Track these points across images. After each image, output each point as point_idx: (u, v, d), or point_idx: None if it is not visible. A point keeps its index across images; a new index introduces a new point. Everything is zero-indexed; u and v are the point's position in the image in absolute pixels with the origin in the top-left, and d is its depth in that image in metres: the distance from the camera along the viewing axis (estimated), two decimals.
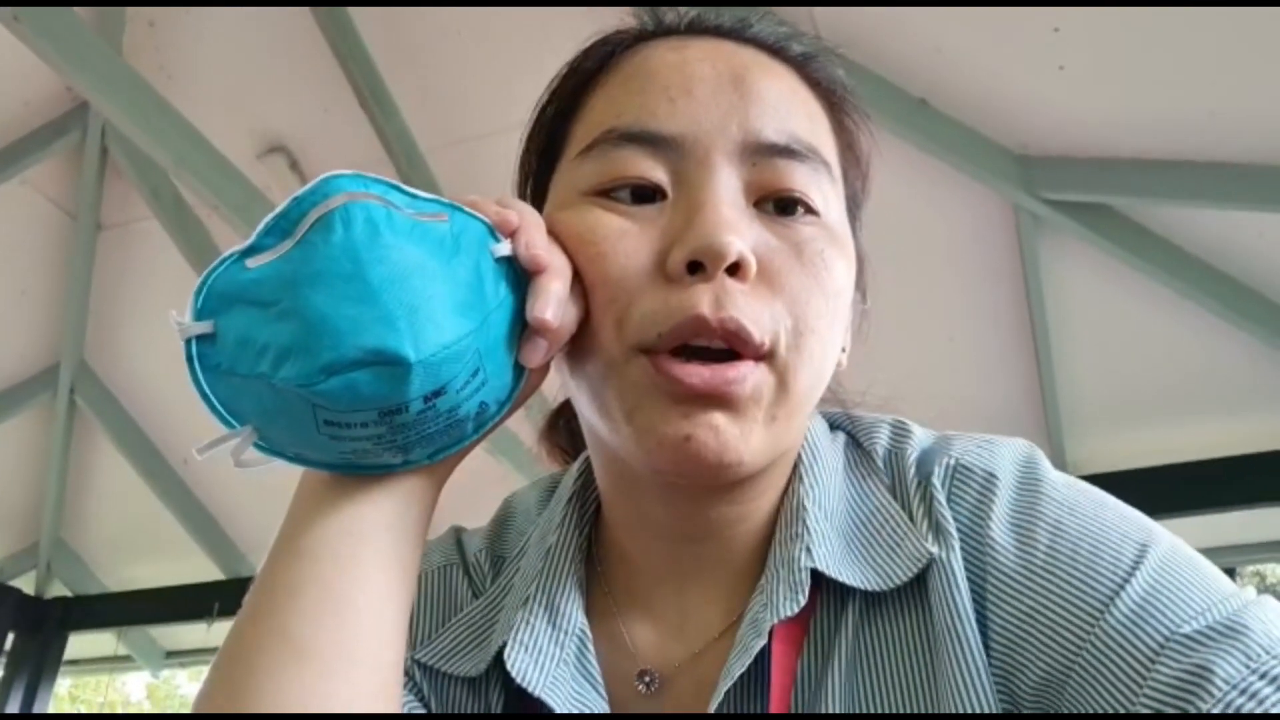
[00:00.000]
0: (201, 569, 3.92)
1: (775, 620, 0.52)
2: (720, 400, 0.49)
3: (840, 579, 0.53)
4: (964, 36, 2.22)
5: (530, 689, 0.54)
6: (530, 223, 0.51)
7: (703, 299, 0.49)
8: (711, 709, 0.52)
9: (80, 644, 4.55)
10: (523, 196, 0.63)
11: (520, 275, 0.50)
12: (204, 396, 0.46)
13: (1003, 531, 0.52)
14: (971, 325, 2.73)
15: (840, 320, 0.55)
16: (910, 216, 2.47)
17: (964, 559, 0.52)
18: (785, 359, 0.51)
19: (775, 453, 0.53)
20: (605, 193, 0.53)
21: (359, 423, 0.46)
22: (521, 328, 0.50)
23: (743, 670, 0.51)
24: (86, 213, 3.16)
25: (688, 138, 0.53)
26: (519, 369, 0.52)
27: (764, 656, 0.52)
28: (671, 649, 0.58)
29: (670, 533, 0.58)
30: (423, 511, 0.52)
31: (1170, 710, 0.43)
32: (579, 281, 0.52)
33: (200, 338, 0.45)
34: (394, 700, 0.48)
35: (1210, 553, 0.50)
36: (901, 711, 0.51)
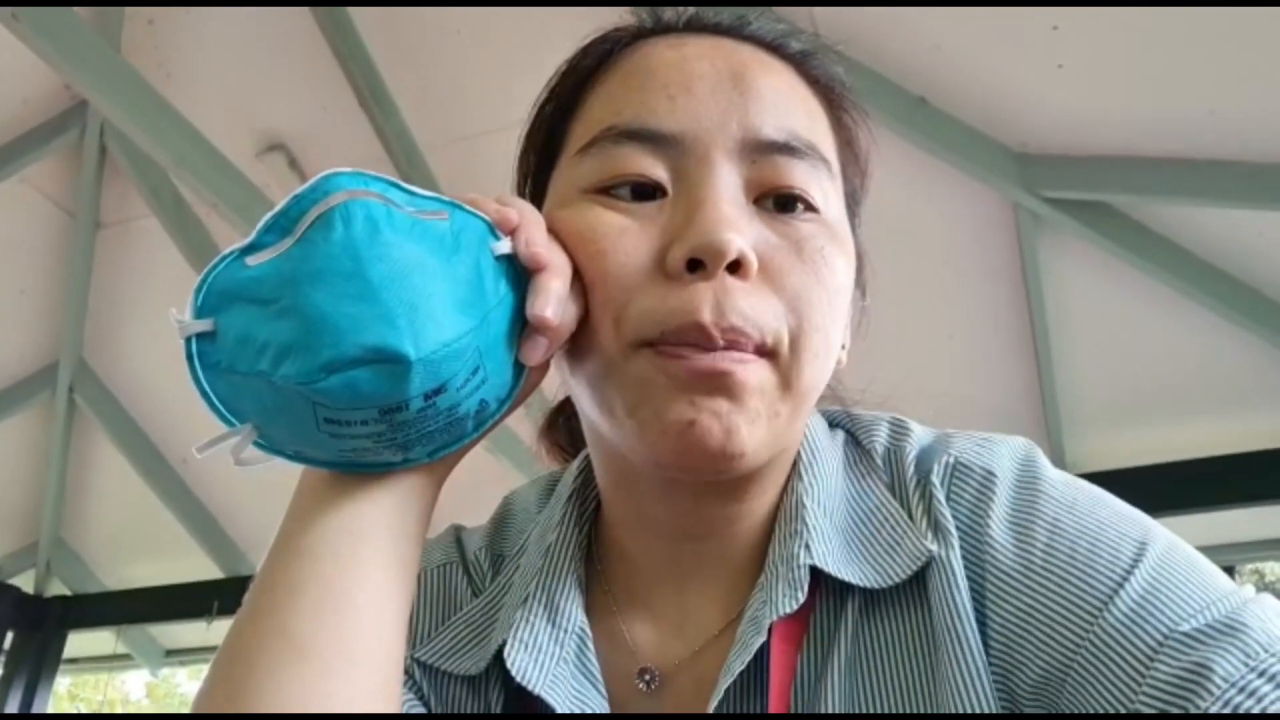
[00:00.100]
0: (201, 568, 3.92)
1: (774, 617, 0.52)
2: (724, 387, 0.49)
3: (839, 576, 0.53)
4: (963, 35, 2.22)
5: (530, 687, 0.54)
6: (530, 220, 0.51)
7: (704, 301, 0.49)
8: (711, 707, 0.52)
9: (79, 642, 4.55)
10: (522, 195, 0.63)
11: (520, 273, 0.50)
12: (204, 394, 0.46)
13: (1001, 530, 0.52)
14: (971, 324, 2.73)
15: (840, 317, 0.55)
16: (910, 215, 2.47)
17: (963, 557, 0.52)
18: (787, 357, 0.51)
19: (776, 448, 0.53)
20: (605, 190, 0.53)
21: (359, 420, 0.46)
22: (521, 326, 0.50)
23: (742, 668, 0.51)
24: (85, 211, 3.16)
25: (688, 135, 0.53)
26: (519, 367, 0.52)
27: (763, 654, 0.52)
28: (671, 647, 0.58)
29: (670, 530, 0.58)
30: (423, 510, 0.52)
31: (1169, 708, 0.43)
32: (579, 280, 0.52)
33: (200, 336, 0.45)
34: (394, 699, 0.48)
35: (1209, 551, 0.50)
36: (901, 709, 0.51)
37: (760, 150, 0.53)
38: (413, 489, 0.51)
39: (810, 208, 0.54)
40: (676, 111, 0.53)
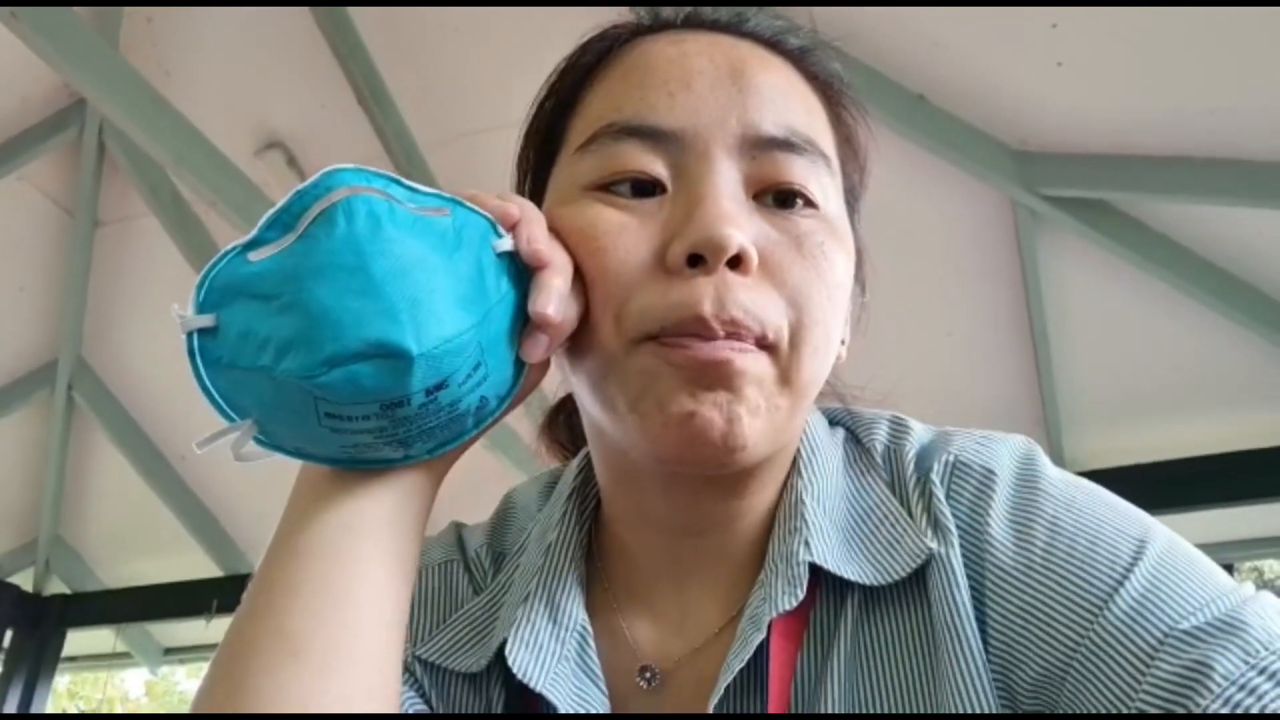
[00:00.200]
0: (200, 565, 3.92)
1: (774, 614, 0.52)
2: (724, 377, 0.49)
3: (839, 573, 0.54)
4: (962, 32, 2.22)
5: (532, 685, 0.54)
6: (531, 217, 0.51)
7: (704, 296, 0.49)
8: (712, 704, 0.52)
9: (79, 641, 4.54)
10: (521, 192, 0.63)
11: (521, 271, 0.50)
12: (204, 390, 0.46)
13: (1001, 528, 0.52)
14: (970, 321, 2.73)
15: (840, 312, 0.55)
16: (908, 213, 2.47)
17: (963, 555, 0.52)
18: (786, 351, 0.51)
19: (777, 443, 0.54)
20: (605, 187, 0.54)
21: (360, 415, 0.46)
22: (522, 323, 0.50)
23: (742, 665, 0.52)
24: (84, 209, 3.16)
25: (687, 131, 0.53)
26: (519, 364, 0.52)
27: (763, 651, 0.52)
28: (672, 644, 0.58)
29: (670, 527, 0.58)
30: (422, 507, 0.52)
31: (1169, 706, 0.43)
32: (579, 277, 0.52)
33: (202, 331, 0.45)
34: (393, 697, 0.48)
35: (1208, 548, 0.50)
36: (901, 706, 0.51)
37: (760, 146, 0.53)
38: (412, 486, 0.51)
39: (810, 203, 0.54)
40: (676, 108, 0.54)
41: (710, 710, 0.52)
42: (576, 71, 0.60)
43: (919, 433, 0.60)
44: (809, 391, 0.54)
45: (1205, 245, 2.39)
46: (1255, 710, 0.41)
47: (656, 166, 0.53)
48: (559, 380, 0.61)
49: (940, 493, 0.55)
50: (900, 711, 0.51)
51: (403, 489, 0.51)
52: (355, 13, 2.54)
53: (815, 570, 0.54)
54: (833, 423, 0.64)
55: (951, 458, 0.56)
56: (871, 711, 0.51)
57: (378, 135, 2.63)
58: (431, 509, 0.54)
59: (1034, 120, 2.32)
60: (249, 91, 2.78)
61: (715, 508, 0.57)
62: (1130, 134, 2.26)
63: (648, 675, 0.58)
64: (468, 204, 0.50)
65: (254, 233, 0.47)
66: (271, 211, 0.47)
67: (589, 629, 0.58)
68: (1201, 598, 0.46)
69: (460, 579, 0.65)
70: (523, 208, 0.52)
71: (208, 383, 0.46)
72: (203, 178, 2.13)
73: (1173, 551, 0.49)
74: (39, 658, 4.22)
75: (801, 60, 0.59)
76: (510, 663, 0.55)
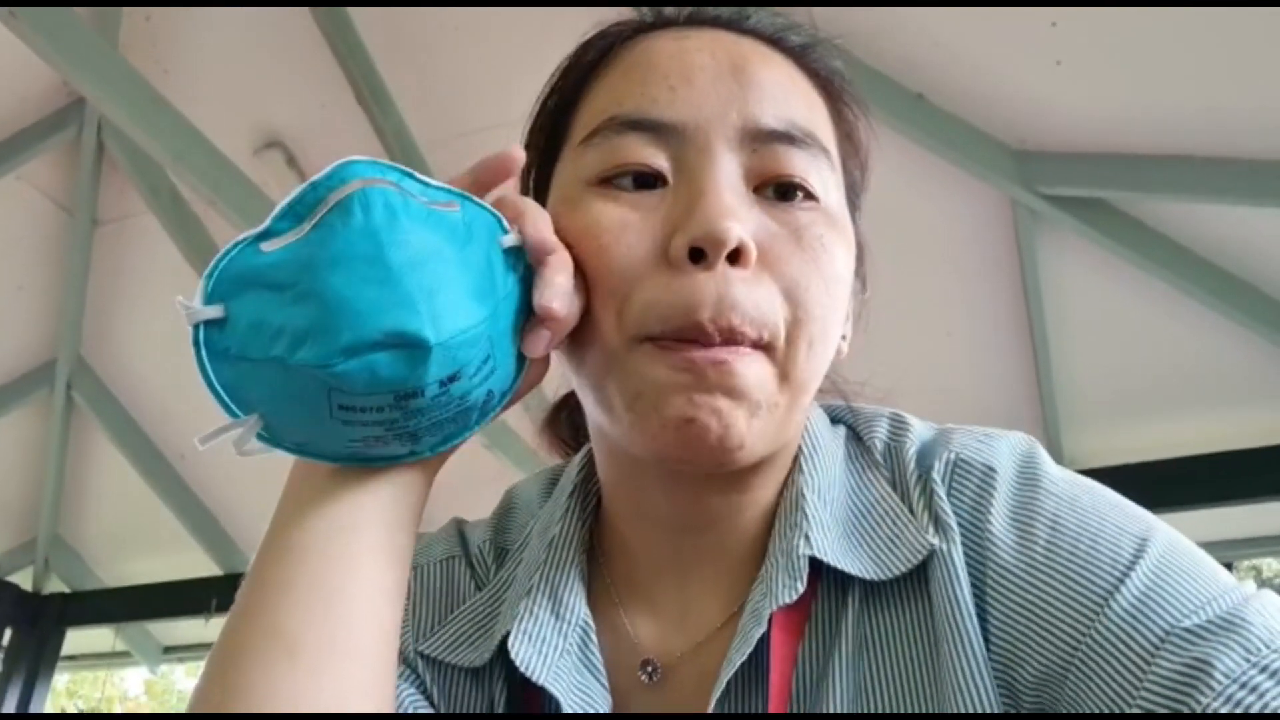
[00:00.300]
0: (199, 564, 3.92)
1: (774, 607, 0.52)
2: (723, 381, 0.49)
3: (839, 567, 0.54)
4: (961, 31, 2.22)
5: (534, 678, 0.55)
6: (535, 212, 0.52)
7: (704, 301, 0.49)
8: (714, 698, 0.52)
9: (78, 639, 4.55)
10: (525, 190, 0.64)
11: (524, 268, 0.51)
12: (209, 383, 0.46)
13: (1002, 526, 0.52)
14: (969, 320, 2.73)
15: (840, 306, 0.55)
16: (908, 212, 2.47)
17: (964, 553, 0.52)
18: (783, 348, 0.51)
19: (776, 441, 0.54)
20: (607, 180, 0.54)
21: (374, 406, 0.46)
22: (524, 319, 0.51)
23: (743, 659, 0.52)
24: (83, 208, 3.16)
25: (688, 125, 0.53)
26: (520, 360, 0.52)
27: (764, 644, 0.53)
28: (673, 639, 0.58)
29: (672, 523, 0.59)
30: (416, 503, 0.53)
31: (1171, 704, 0.43)
32: (580, 274, 0.53)
33: (208, 323, 0.45)
34: (388, 694, 0.48)
35: (1207, 547, 0.50)
36: (905, 702, 0.51)
37: (760, 139, 0.54)
38: (408, 483, 0.52)
39: (810, 196, 0.54)
40: (677, 102, 0.54)
41: (712, 704, 0.52)
42: (579, 69, 0.60)
43: (919, 430, 0.60)
44: (807, 387, 0.54)
45: (1204, 244, 2.39)
46: (1257, 707, 0.41)
47: (658, 159, 0.53)
48: (560, 378, 0.62)
49: (941, 490, 0.55)
50: (903, 706, 0.51)
51: (398, 485, 0.51)
52: (354, 11, 2.54)
53: (816, 565, 0.54)
54: (834, 420, 0.65)
55: (953, 455, 0.56)
56: (875, 706, 0.51)
57: (377, 134, 2.63)
58: (425, 505, 0.54)
59: (1033, 119, 2.32)
60: (248, 90, 2.78)
61: (716, 504, 0.57)
62: (1129, 133, 2.26)
63: (649, 670, 0.58)
64: (476, 200, 0.50)
65: (266, 223, 0.46)
66: (284, 202, 0.47)
67: (591, 623, 0.58)
68: (1203, 596, 0.46)
69: (463, 575, 0.65)
70: (525, 203, 0.52)
71: (212, 376, 0.45)
72: (202, 177, 2.13)
73: (1174, 549, 0.49)
74: (38, 656, 4.22)
75: (803, 57, 0.60)
76: (513, 655, 0.55)
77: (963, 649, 0.50)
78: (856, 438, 0.62)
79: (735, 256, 0.50)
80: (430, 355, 0.44)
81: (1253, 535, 3.26)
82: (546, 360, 0.55)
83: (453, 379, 0.47)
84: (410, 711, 0.59)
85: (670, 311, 0.50)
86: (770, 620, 0.52)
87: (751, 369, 0.50)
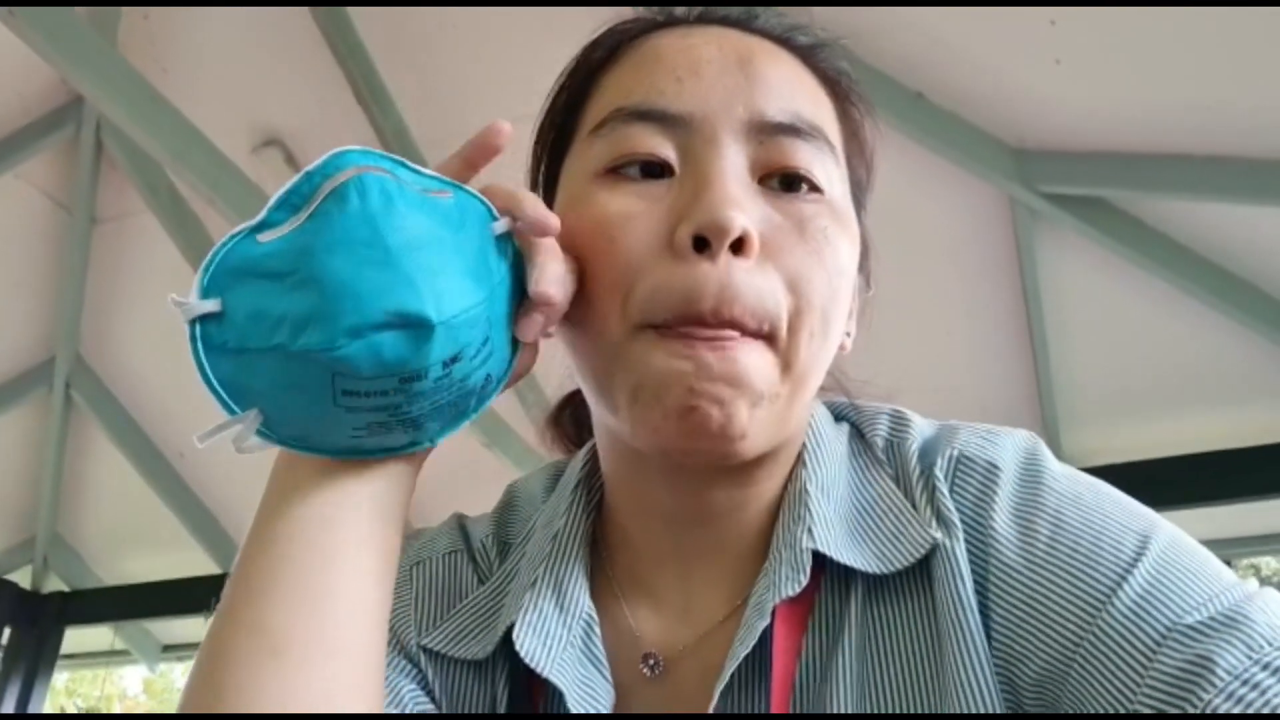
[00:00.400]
0: (197, 563, 3.91)
1: (777, 600, 0.52)
2: (724, 371, 0.50)
3: (842, 560, 0.54)
4: (960, 30, 2.22)
5: (539, 670, 0.55)
6: (526, 195, 0.52)
7: (706, 290, 0.50)
8: (717, 692, 0.52)
9: (77, 638, 4.55)
10: (534, 184, 0.65)
11: (514, 255, 0.51)
12: (206, 379, 0.45)
13: (1005, 523, 0.52)
14: (968, 319, 2.73)
15: (843, 300, 0.55)
16: (907, 211, 2.47)
17: (967, 550, 0.53)
18: (785, 338, 0.52)
19: (779, 434, 0.54)
20: (615, 170, 0.55)
21: (378, 390, 0.46)
22: (516, 305, 0.51)
23: (747, 652, 0.52)
24: (81, 206, 3.16)
25: (695, 115, 0.54)
26: (514, 346, 0.52)
27: (767, 638, 0.53)
28: (676, 633, 0.59)
29: (675, 517, 0.59)
30: (403, 497, 0.53)
31: (1172, 701, 0.43)
32: (582, 264, 0.53)
33: (204, 317, 0.45)
34: (376, 690, 0.48)
35: (1205, 546, 0.51)
36: (908, 697, 0.51)
37: (766, 131, 0.54)
38: (394, 476, 0.52)
39: (814, 188, 0.54)
40: (684, 93, 0.55)
41: (715, 697, 0.52)
42: (588, 66, 0.61)
43: (920, 427, 0.61)
44: (808, 378, 0.54)
45: (1204, 243, 2.39)
46: (1258, 705, 0.41)
47: (665, 149, 0.54)
48: (564, 374, 0.62)
49: (944, 487, 0.55)
50: (906, 702, 0.51)
51: (385, 478, 0.51)
52: (353, 9, 2.53)
53: (819, 559, 0.54)
54: (838, 417, 0.65)
55: (955, 452, 0.57)
56: (879, 700, 0.52)
57: (376, 133, 2.63)
58: (411, 499, 0.54)
59: (1032, 118, 2.32)
60: (247, 88, 2.77)
61: (719, 498, 0.57)
62: (1129, 131, 2.26)
63: (651, 663, 0.58)
64: (466, 188, 0.51)
65: (262, 215, 0.46)
66: (279, 193, 0.47)
67: (594, 616, 0.58)
68: (1205, 593, 0.46)
69: (465, 569, 0.65)
70: (517, 190, 0.53)
71: (209, 372, 0.45)
72: (200, 175, 2.13)
73: (1176, 547, 0.49)
74: (37, 655, 4.22)
75: (810, 56, 0.60)
76: (518, 647, 0.55)
77: (965, 645, 0.50)
78: (859, 435, 0.63)
79: (739, 246, 0.51)
80: (434, 334, 0.45)
81: (1251, 533, 3.27)
82: (536, 347, 0.55)
83: (455, 360, 0.47)
84: (412, 709, 0.59)
85: (673, 299, 0.50)
86: (773, 613, 0.53)
87: (752, 358, 0.50)
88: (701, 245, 0.51)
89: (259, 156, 2.79)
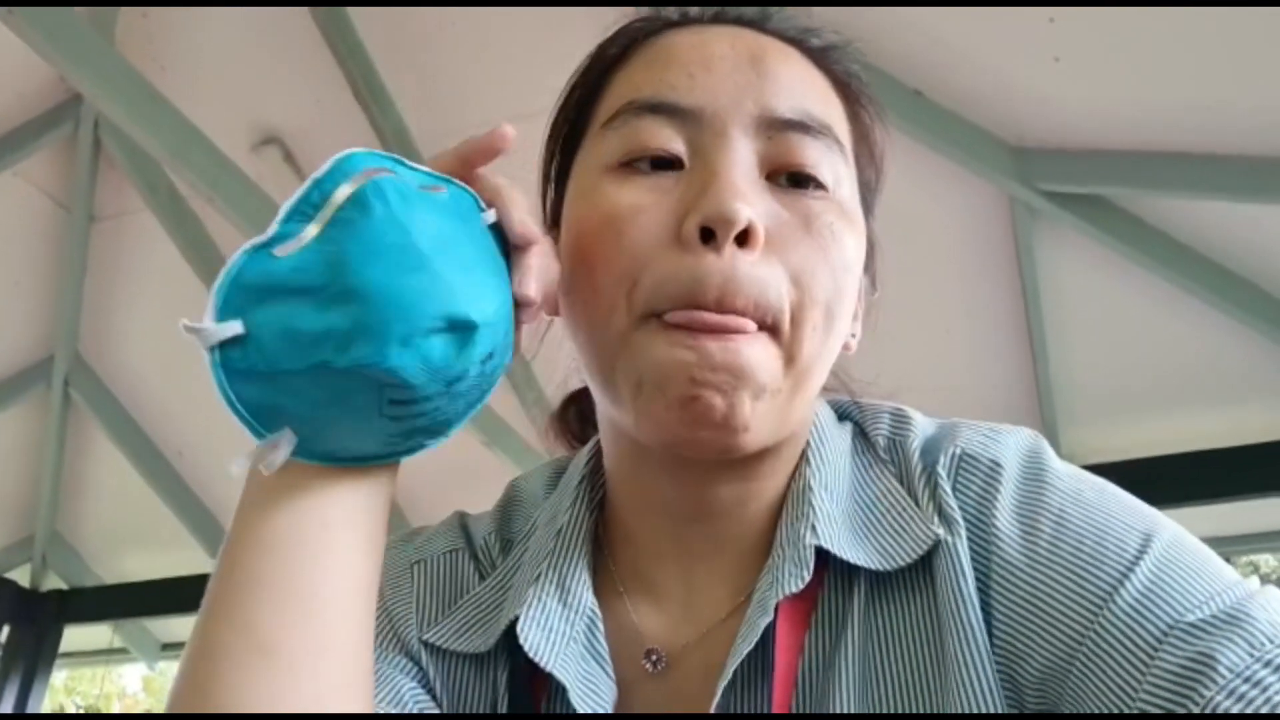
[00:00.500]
0: (196, 561, 3.91)
1: (780, 596, 0.52)
2: (728, 363, 0.50)
3: (845, 557, 0.54)
4: (960, 28, 2.22)
5: (542, 663, 0.55)
6: (513, 195, 0.52)
7: (710, 281, 0.50)
8: (720, 687, 0.52)
9: (76, 636, 4.54)
10: (547, 178, 0.65)
11: (503, 243, 0.51)
12: (232, 406, 0.44)
13: (1007, 520, 0.53)
14: (967, 317, 2.73)
15: (847, 297, 0.56)
16: (906, 209, 2.46)
17: (969, 547, 0.53)
18: (788, 331, 0.52)
19: (781, 428, 0.54)
20: (626, 164, 0.55)
21: (424, 397, 0.45)
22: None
23: (750, 649, 0.52)
24: (80, 205, 3.15)
25: (705, 110, 0.55)
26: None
27: (770, 634, 0.53)
28: (678, 629, 0.59)
29: (678, 513, 0.59)
30: (387, 496, 0.52)
31: (1174, 698, 0.43)
32: (588, 259, 0.54)
33: (225, 342, 0.43)
34: (365, 692, 0.48)
35: (1204, 543, 0.51)
36: (910, 695, 0.51)
37: (775, 127, 0.55)
38: (380, 476, 0.51)
39: (821, 186, 0.55)
40: (696, 88, 0.55)
41: (718, 694, 0.52)
42: (601, 62, 0.62)
43: (922, 424, 0.61)
44: (811, 373, 0.54)
45: (1203, 241, 2.39)
46: (1259, 702, 0.41)
47: (675, 143, 0.55)
48: (560, 376, 0.62)
49: (946, 485, 0.55)
50: (908, 699, 0.51)
51: (372, 478, 0.51)
52: (354, 10, 2.53)
53: (822, 556, 0.54)
54: (841, 416, 0.65)
55: (958, 450, 0.57)
56: (881, 698, 0.52)
57: (374, 130, 2.63)
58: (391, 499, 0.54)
59: (1031, 116, 2.32)
60: (246, 86, 2.77)
61: (723, 494, 0.57)
62: (1128, 129, 2.25)
63: (654, 659, 0.58)
64: (456, 181, 0.50)
65: (273, 228, 0.45)
66: (288, 204, 0.45)
67: (597, 612, 0.58)
68: (1206, 591, 0.46)
69: (466, 567, 0.65)
70: (502, 185, 0.53)
71: (234, 398, 0.43)
72: (199, 173, 2.12)
73: (1178, 545, 0.49)
74: (36, 653, 4.21)
75: (822, 58, 0.61)
76: (522, 640, 0.55)
77: (967, 642, 0.50)
78: (862, 433, 0.63)
79: (744, 238, 0.51)
80: (478, 335, 0.44)
81: (1250, 531, 3.27)
82: (518, 342, 0.55)
83: (490, 356, 0.47)
84: (413, 708, 0.59)
85: (678, 288, 0.50)
86: (776, 610, 0.53)
87: (755, 350, 0.51)
88: (708, 237, 0.51)
89: (258, 155, 2.78)
